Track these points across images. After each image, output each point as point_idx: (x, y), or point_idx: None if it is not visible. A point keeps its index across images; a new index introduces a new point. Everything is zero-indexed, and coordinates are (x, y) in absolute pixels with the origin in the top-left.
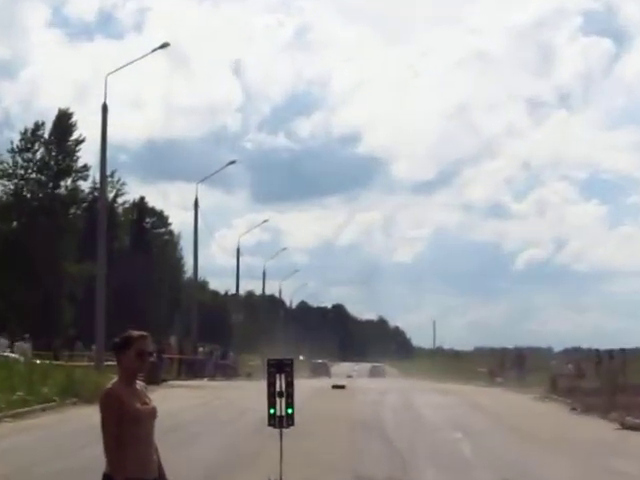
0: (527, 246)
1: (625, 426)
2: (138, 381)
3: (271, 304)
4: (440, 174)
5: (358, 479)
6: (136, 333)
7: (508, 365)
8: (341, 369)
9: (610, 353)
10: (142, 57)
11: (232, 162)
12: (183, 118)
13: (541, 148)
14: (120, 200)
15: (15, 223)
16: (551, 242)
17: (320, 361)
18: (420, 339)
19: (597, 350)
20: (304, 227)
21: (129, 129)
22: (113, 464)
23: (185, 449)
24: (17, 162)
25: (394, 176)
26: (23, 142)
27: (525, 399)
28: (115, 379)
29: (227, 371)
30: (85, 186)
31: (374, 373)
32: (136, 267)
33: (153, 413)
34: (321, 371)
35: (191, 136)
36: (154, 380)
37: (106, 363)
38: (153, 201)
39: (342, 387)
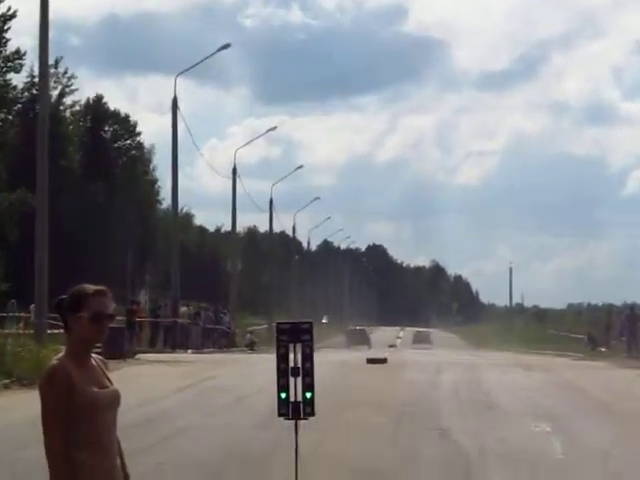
0: None
1: None
2: (94, 355)
3: (282, 245)
4: (519, 62)
5: None
6: (92, 288)
7: (616, 329)
8: (382, 336)
9: None
10: None
11: (225, 46)
12: None
13: None
14: (68, 100)
15: None
16: None
17: (358, 327)
18: (492, 294)
19: None
20: (327, 137)
21: (82, 1)
22: (59, 473)
23: (162, 451)
24: None
25: (455, 66)
26: None
27: (636, 376)
28: (62, 352)
29: (220, 340)
30: (18, 80)
31: (419, 339)
32: (91, 196)
33: (115, 399)
34: (359, 339)
35: (169, 11)
36: (117, 353)
37: (50, 331)
38: (115, 101)
39: (382, 361)
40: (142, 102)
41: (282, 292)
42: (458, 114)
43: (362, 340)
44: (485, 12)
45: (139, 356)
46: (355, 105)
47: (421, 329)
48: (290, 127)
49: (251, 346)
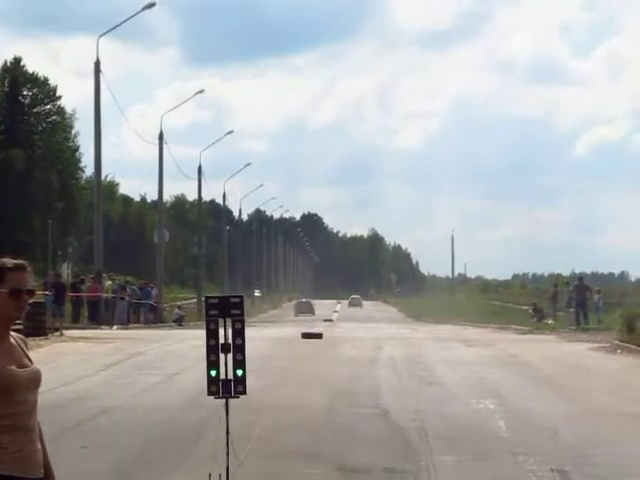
0: (592, 124)
1: None
2: (13, 333)
3: (211, 215)
4: (462, 19)
5: (342, 471)
6: (10, 262)
7: (563, 300)
8: (317, 310)
9: None
10: None
11: (150, 5)
12: None
13: None
14: None
15: None
16: (629, 117)
17: (304, 300)
18: (433, 264)
19: None
20: (260, 100)
21: None
22: None
23: (86, 433)
24: None
25: (395, 23)
26: None
27: (587, 350)
28: None
29: (147, 315)
30: None
31: (353, 304)
32: (8, 163)
33: (36, 379)
34: (306, 309)
35: None
36: (39, 330)
37: None
38: (33, 64)
39: (318, 336)
40: (64, 65)
41: (212, 264)
42: (398, 75)
43: (308, 310)
44: None
45: (61, 333)
46: (289, 65)
47: (355, 295)
48: (221, 90)
49: (179, 321)
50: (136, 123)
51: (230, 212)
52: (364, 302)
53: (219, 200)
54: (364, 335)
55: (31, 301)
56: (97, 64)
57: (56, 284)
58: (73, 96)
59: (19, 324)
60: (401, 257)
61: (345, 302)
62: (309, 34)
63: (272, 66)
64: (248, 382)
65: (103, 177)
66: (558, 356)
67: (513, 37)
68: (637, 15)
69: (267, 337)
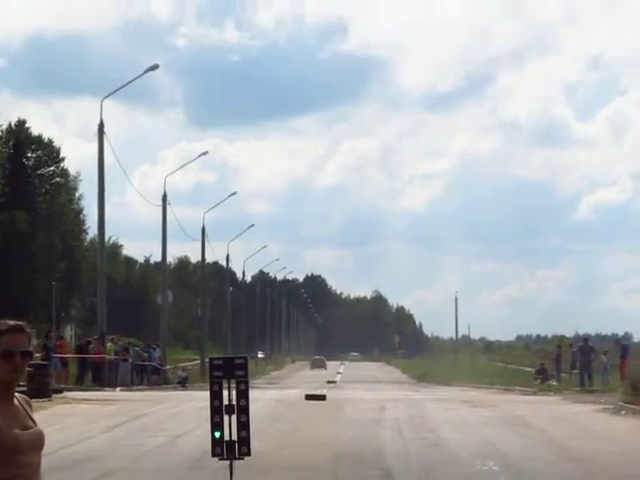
0: (595, 186)
1: None
2: (17, 395)
3: (215, 276)
4: (466, 80)
5: None
6: (6, 324)
7: (567, 362)
8: (320, 371)
9: None
10: None
11: (153, 67)
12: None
13: (618, 38)
14: None
15: None
16: (631, 179)
17: (318, 357)
18: (436, 325)
19: None
20: (264, 162)
21: (3, 16)
22: None
23: None
24: None
25: (398, 85)
26: None
27: (591, 411)
28: None
29: (151, 377)
30: None
31: (316, 365)
32: (12, 225)
33: (38, 440)
34: (319, 364)
35: (97, 28)
36: (42, 392)
37: None
38: (38, 126)
39: (321, 398)
40: (68, 127)
41: (215, 325)
42: (402, 137)
43: (320, 365)
44: (429, 29)
45: (66, 394)
46: (293, 128)
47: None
48: (224, 152)
49: (183, 383)
50: (140, 185)
51: (234, 273)
52: (367, 363)
53: (222, 262)
54: (368, 397)
55: (34, 362)
56: (101, 126)
57: (44, 346)
58: (77, 158)
59: (22, 385)
60: (404, 318)
61: (348, 363)
62: (312, 96)
63: (276, 128)
64: (252, 443)
65: (106, 239)
66: (562, 417)
67: (517, 98)
68: None
69: (271, 398)
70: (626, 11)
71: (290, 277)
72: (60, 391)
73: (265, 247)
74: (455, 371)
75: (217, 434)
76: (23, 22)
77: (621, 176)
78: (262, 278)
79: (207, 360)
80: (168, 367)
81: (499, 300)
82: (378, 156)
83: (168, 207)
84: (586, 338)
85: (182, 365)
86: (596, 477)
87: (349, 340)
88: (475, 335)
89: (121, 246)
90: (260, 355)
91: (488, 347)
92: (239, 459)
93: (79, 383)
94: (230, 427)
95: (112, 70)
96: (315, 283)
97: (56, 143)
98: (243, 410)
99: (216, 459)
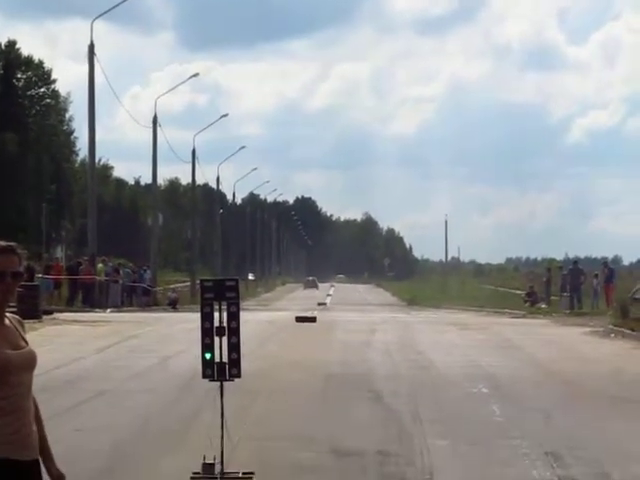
0: (587, 109)
1: None
2: (8, 314)
3: (205, 198)
4: (458, 4)
5: (335, 454)
6: None
7: (556, 284)
8: (310, 293)
9: None
10: None
11: None
12: None
13: None
14: None
15: None
16: (622, 103)
17: (310, 278)
18: (426, 248)
19: None
20: (255, 84)
21: None
22: None
23: (79, 417)
24: None
25: (390, 8)
26: None
27: (580, 334)
28: None
29: (141, 298)
30: None
31: (308, 285)
32: (2, 147)
33: (30, 361)
34: (311, 285)
35: None
36: (33, 313)
37: None
38: (28, 47)
39: (311, 320)
40: (60, 48)
41: (206, 248)
42: (394, 60)
43: (313, 285)
44: None
45: (56, 315)
46: (285, 50)
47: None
48: (216, 74)
49: (173, 304)
50: (130, 106)
51: (224, 196)
52: (357, 285)
53: (213, 184)
54: (358, 319)
55: (25, 284)
56: (91, 47)
57: (27, 266)
58: (68, 79)
59: (12, 306)
60: (394, 241)
61: (337, 285)
62: (306, 19)
63: (268, 50)
64: (242, 365)
65: (97, 160)
66: (552, 340)
67: (509, 22)
68: (633, 0)
69: (261, 320)
70: None
71: (280, 199)
72: (50, 312)
73: (255, 169)
74: (445, 294)
75: (208, 356)
76: None
77: (613, 99)
78: (252, 200)
79: (197, 282)
80: (158, 289)
81: (489, 223)
82: (369, 79)
83: (159, 129)
84: (576, 261)
85: (172, 287)
86: (584, 399)
87: (339, 263)
88: (465, 258)
89: (112, 168)
90: (250, 277)
91: (478, 270)
92: (229, 380)
93: (69, 304)
94: (221, 349)
95: None
96: (305, 205)
97: (47, 64)
98: (234, 332)
99: (206, 380)
